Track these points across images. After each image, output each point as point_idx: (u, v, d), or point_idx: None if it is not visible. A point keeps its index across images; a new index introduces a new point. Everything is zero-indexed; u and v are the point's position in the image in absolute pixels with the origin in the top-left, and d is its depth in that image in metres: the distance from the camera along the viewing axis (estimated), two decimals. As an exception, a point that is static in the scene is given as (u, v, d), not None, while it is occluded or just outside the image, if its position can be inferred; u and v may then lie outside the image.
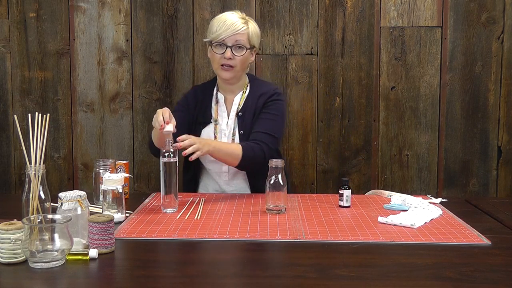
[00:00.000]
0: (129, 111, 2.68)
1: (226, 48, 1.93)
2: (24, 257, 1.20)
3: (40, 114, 1.36)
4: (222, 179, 2.04)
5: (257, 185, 2.01)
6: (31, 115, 1.36)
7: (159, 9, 2.62)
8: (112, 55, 2.65)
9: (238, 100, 2.04)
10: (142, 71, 2.65)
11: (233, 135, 2.01)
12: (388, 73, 2.63)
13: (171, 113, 1.73)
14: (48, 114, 1.38)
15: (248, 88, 2.06)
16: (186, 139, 1.73)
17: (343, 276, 1.16)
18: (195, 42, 2.63)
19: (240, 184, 2.05)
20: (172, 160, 1.65)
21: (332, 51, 2.62)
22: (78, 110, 2.68)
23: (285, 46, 2.62)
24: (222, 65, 1.95)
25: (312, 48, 2.62)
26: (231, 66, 1.95)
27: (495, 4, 2.57)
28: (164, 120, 1.69)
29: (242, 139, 1.99)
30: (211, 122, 2.03)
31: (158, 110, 1.74)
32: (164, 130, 1.68)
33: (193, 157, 1.74)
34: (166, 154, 1.65)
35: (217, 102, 2.05)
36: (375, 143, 2.66)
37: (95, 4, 2.62)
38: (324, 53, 2.62)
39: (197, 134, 2.02)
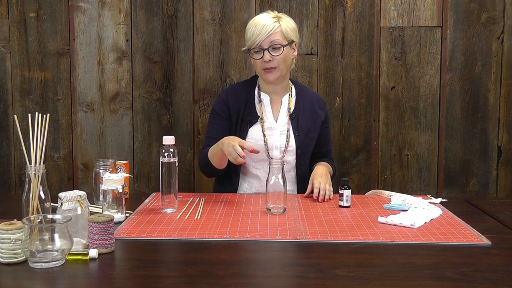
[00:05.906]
0: (129, 111, 2.68)
1: (264, 52, 1.92)
2: (24, 257, 1.20)
3: (40, 114, 1.35)
4: None
5: (303, 187, 2.01)
6: (31, 115, 1.36)
7: (159, 9, 2.62)
8: (112, 55, 2.65)
9: (287, 101, 2.05)
10: (142, 71, 2.65)
11: (288, 136, 2.01)
12: (388, 73, 2.63)
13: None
14: (48, 114, 1.38)
15: (294, 89, 2.07)
16: (320, 187, 1.84)
17: (343, 276, 1.16)
18: (195, 42, 2.63)
19: (289, 186, 2.03)
20: (172, 160, 1.65)
21: (332, 51, 2.62)
22: (78, 110, 2.68)
23: (285, 46, 2.61)
24: (264, 69, 1.95)
25: (312, 48, 2.62)
26: (274, 68, 1.94)
27: (495, 4, 2.57)
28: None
29: (297, 140, 2.01)
30: (258, 121, 2.01)
31: (235, 145, 1.73)
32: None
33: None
34: (166, 154, 1.65)
35: (260, 101, 2.04)
36: (375, 143, 2.66)
37: (95, 4, 2.62)
38: (324, 53, 2.62)
39: (244, 133, 2.00)
